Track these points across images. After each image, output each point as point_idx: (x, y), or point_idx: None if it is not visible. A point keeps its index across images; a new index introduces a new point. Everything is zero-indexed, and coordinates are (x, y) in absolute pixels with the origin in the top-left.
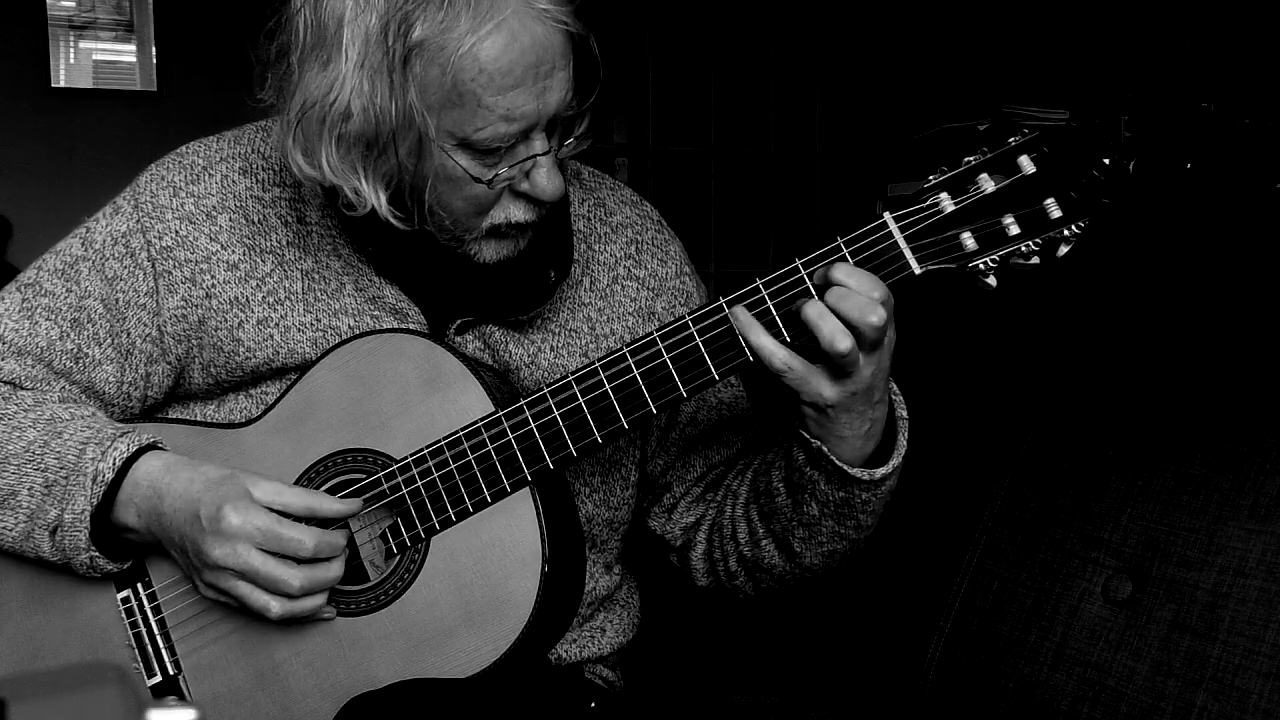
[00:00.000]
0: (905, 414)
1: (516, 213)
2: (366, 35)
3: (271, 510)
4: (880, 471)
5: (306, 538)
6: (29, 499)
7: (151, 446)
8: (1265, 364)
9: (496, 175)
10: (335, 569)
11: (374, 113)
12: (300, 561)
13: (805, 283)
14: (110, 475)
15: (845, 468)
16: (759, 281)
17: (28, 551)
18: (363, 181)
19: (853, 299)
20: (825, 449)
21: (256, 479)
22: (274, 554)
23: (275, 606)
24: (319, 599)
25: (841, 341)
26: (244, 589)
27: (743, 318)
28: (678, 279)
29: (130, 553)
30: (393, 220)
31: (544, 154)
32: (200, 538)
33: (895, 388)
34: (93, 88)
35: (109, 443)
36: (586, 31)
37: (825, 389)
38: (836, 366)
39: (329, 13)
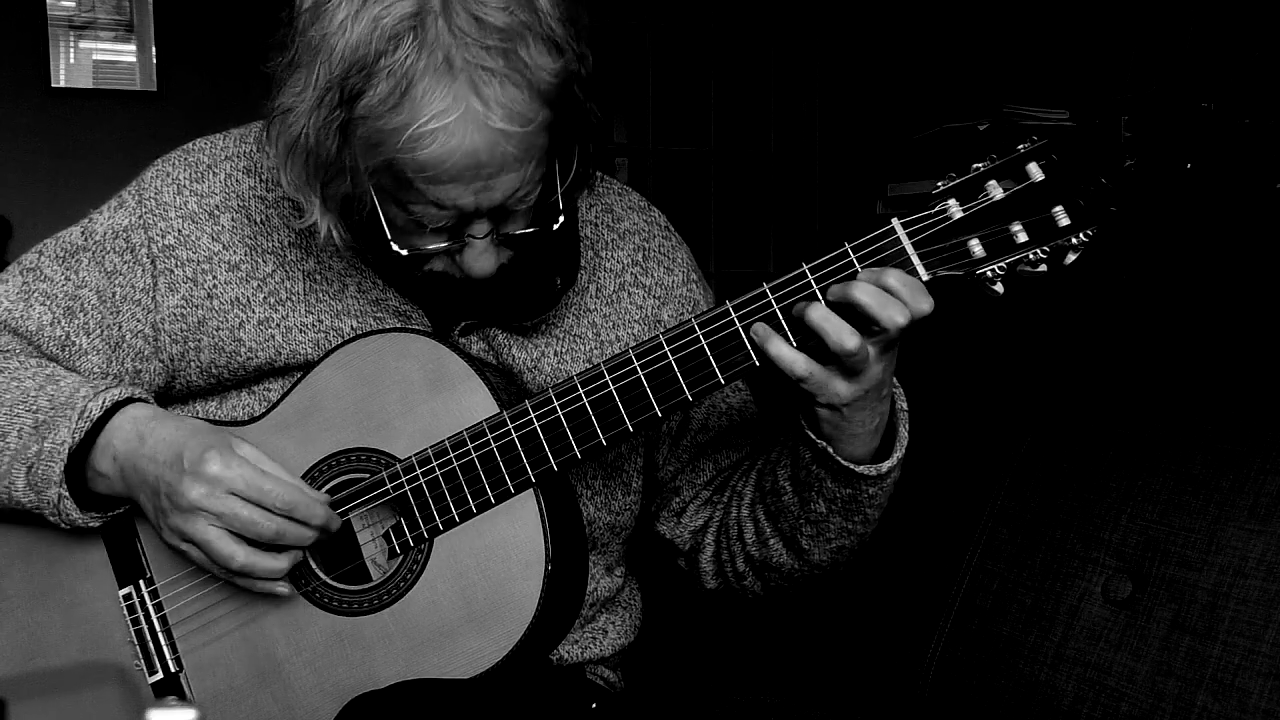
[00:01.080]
0: (905, 405)
1: (454, 270)
2: (328, 82)
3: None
4: (886, 465)
5: (284, 490)
6: (17, 440)
7: (142, 399)
8: (1265, 364)
9: (420, 252)
10: (310, 532)
11: (319, 153)
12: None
13: (812, 287)
14: (98, 413)
15: (851, 466)
16: (765, 286)
17: (1, 494)
18: (314, 201)
19: (884, 298)
20: (830, 450)
21: (241, 440)
22: (251, 502)
23: (240, 555)
24: (283, 561)
25: (850, 340)
26: (213, 534)
27: (761, 331)
28: (684, 287)
29: (102, 506)
30: (338, 243)
31: (480, 239)
32: (178, 479)
33: (894, 379)
34: (93, 88)
35: (103, 388)
36: (558, 143)
37: (841, 389)
38: (847, 366)
39: (314, 37)
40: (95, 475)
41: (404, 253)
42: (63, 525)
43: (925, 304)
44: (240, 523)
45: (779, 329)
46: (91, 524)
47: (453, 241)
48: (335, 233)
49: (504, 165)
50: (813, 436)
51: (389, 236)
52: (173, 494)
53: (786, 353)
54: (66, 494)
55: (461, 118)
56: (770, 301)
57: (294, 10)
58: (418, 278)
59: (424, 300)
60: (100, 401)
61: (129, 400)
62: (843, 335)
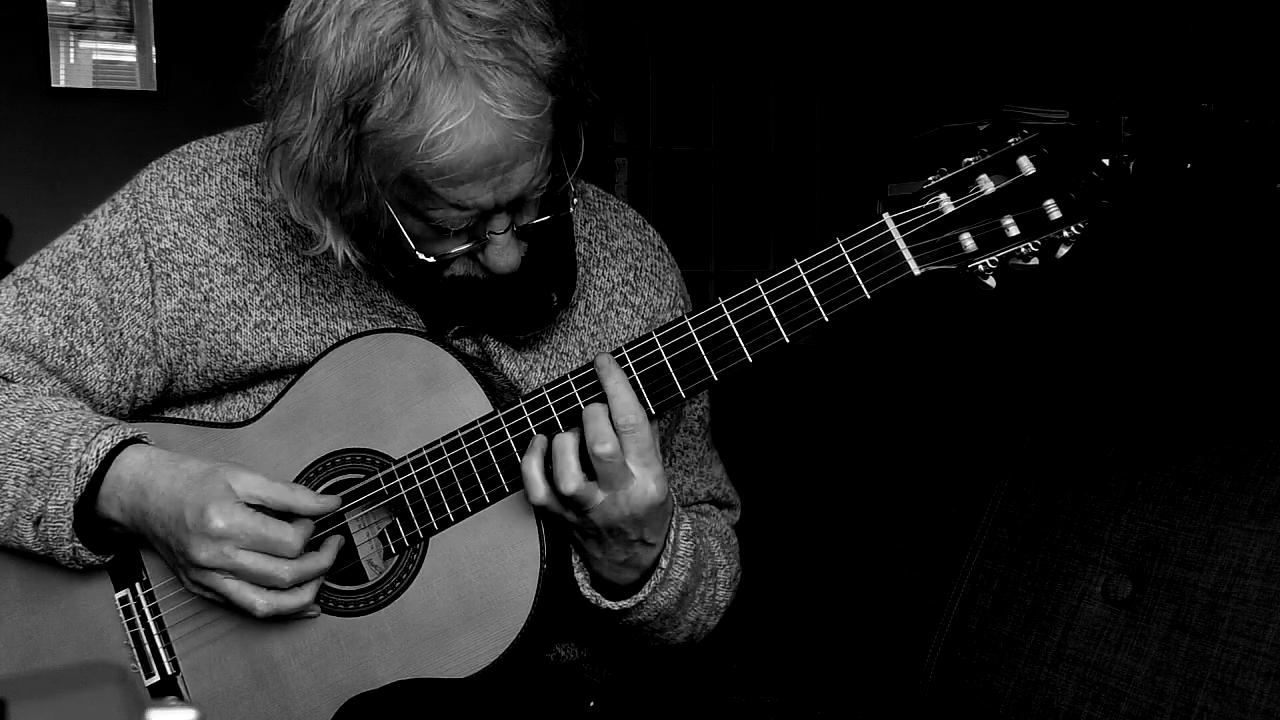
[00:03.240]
0: (668, 565)
1: (475, 271)
2: (330, 102)
3: (253, 506)
4: (607, 604)
5: (292, 538)
6: (14, 488)
7: (136, 440)
8: (1265, 364)
9: (445, 254)
10: (324, 559)
11: (330, 173)
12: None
13: (805, 284)
14: (94, 467)
15: (579, 583)
16: (759, 283)
17: (11, 541)
18: (324, 225)
19: (595, 424)
20: (574, 559)
21: (237, 473)
22: (262, 553)
23: (261, 604)
24: (307, 593)
25: (556, 486)
26: (231, 586)
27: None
28: (669, 311)
29: (113, 546)
30: (353, 261)
31: (500, 234)
32: (186, 539)
33: (677, 537)
34: (93, 88)
35: (93, 434)
36: (564, 127)
37: (570, 516)
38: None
39: (306, 62)
40: (107, 520)
41: (431, 260)
42: (77, 568)
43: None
44: (256, 576)
45: (750, 335)
46: (106, 560)
47: (473, 242)
48: (350, 254)
49: (519, 156)
50: (572, 547)
51: (414, 248)
52: (183, 553)
53: (533, 474)
54: (80, 545)
55: (474, 115)
56: (764, 299)
57: (277, 39)
58: (439, 285)
59: (426, 301)
60: (94, 454)
61: (123, 444)
62: (562, 477)
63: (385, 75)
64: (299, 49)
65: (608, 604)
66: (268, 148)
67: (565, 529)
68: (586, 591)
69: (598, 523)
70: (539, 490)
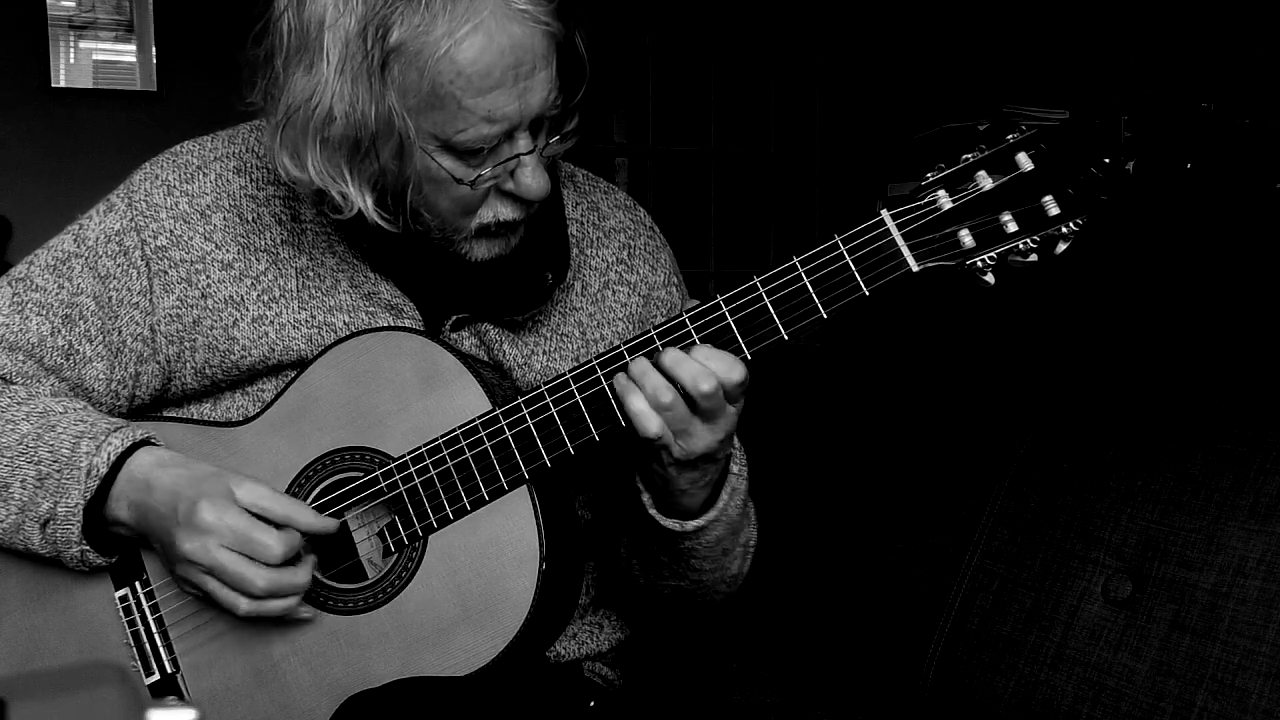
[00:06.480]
0: (738, 470)
1: (504, 211)
2: (346, 39)
3: (250, 513)
4: (693, 524)
5: (276, 544)
6: (21, 491)
7: (146, 441)
8: (1265, 364)
9: (480, 176)
10: (302, 575)
11: (355, 117)
12: (270, 566)
13: (803, 279)
14: (104, 470)
15: (655, 519)
16: (757, 279)
17: (17, 544)
18: (349, 184)
19: (688, 365)
20: (644, 499)
21: (242, 480)
22: (242, 554)
23: (243, 604)
24: (289, 601)
25: (650, 422)
26: (212, 584)
27: (620, 384)
28: (665, 289)
29: (118, 547)
30: (380, 222)
31: (528, 153)
32: (174, 530)
33: (737, 444)
34: (93, 88)
35: (103, 437)
36: (569, 30)
37: (678, 445)
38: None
39: (310, 17)
40: (114, 522)
41: (469, 180)
42: (83, 569)
43: (737, 374)
44: (231, 579)
45: (767, 322)
46: (112, 561)
47: (501, 168)
48: (375, 213)
49: (536, 60)
50: (640, 487)
51: (454, 177)
52: (171, 545)
53: (641, 408)
54: (88, 547)
55: (492, 12)
56: (762, 295)
57: (270, 14)
58: (462, 243)
59: (424, 289)
60: (105, 457)
61: (134, 446)
62: (658, 397)
63: None
64: (298, 14)
65: (694, 524)
66: (279, 123)
67: (645, 469)
68: (669, 523)
69: (699, 449)
70: (654, 421)
